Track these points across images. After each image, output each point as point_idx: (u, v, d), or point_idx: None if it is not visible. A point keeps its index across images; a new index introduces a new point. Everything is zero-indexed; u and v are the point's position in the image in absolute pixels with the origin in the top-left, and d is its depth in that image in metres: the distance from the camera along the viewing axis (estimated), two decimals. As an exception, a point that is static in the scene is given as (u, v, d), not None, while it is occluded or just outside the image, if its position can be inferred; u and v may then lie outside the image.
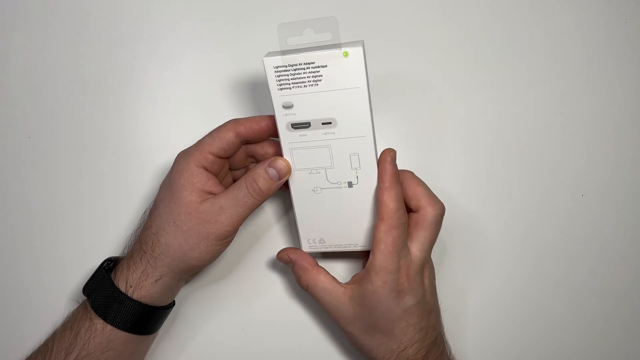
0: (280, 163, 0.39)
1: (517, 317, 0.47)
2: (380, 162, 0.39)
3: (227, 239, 0.39)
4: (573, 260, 0.47)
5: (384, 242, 0.37)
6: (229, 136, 0.39)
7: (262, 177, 0.38)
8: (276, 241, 0.47)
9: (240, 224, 0.39)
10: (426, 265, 0.40)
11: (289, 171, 0.39)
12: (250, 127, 0.39)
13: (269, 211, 0.47)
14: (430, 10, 0.48)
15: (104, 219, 0.47)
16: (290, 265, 0.42)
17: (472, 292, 0.46)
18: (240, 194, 0.38)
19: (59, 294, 0.46)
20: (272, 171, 0.38)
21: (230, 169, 0.43)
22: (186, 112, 0.48)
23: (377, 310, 0.38)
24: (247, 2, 0.48)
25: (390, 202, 0.38)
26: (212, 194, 0.39)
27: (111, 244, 0.46)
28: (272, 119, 0.39)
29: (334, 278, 0.41)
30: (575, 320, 0.47)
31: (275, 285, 0.47)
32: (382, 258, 0.37)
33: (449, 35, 0.48)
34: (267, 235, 0.47)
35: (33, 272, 0.47)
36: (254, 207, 0.38)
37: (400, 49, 0.48)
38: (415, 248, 0.39)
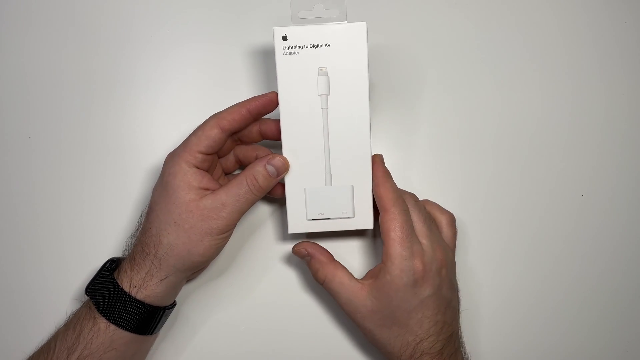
0: (278, 160, 0.40)
1: (514, 317, 0.47)
2: (372, 163, 0.41)
3: (228, 232, 0.40)
4: (572, 260, 0.47)
5: (393, 229, 0.38)
6: (214, 133, 0.39)
7: (261, 174, 0.39)
8: (274, 240, 0.47)
9: (240, 218, 0.40)
10: (442, 255, 0.40)
11: (286, 168, 0.40)
12: (233, 118, 0.40)
13: (263, 207, 0.47)
14: (429, 10, 0.49)
15: (106, 218, 0.47)
16: (307, 259, 0.43)
17: (468, 293, 0.46)
18: (241, 190, 0.39)
19: (61, 293, 0.46)
20: (271, 168, 0.39)
21: (218, 157, 0.44)
22: (186, 111, 0.48)
23: (394, 300, 0.39)
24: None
25: (388, 193, 0.39)
26: (209, 189, 0.39)
27: (113, 243, 0.46)
28: (251, 102, 0.40)
29: (351, 274, 0.41)
30: (575, 320, 0.47)
31: (275, 285, 0.47)
32: (394, 245, 0.38)
33: (448, 33, 0.48)
34: (263, 235, 0.47)
35: (35, 271, 0.47)
36: (253, 203, 0.40)
37: (400, 47, 0.48)
38: (421, 237, 0.39)
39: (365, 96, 0.40)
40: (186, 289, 0.46)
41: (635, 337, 0.47)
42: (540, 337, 0.47)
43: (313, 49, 0.39)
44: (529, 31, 0.49)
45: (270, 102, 0.40)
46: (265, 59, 0.48)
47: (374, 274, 0.40)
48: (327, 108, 0.40)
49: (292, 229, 0.42)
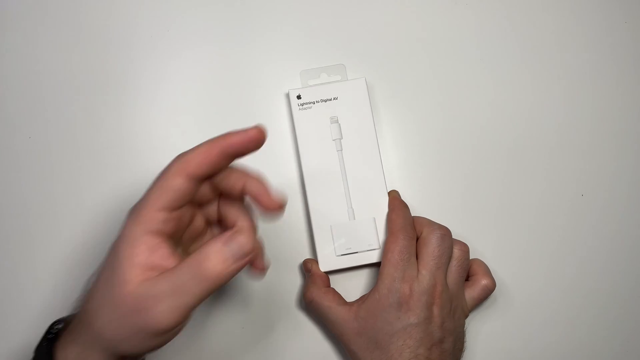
0: (241, 239, 0.29)
1: (512, 316, 0.47)
2: (388, 196, 0.44)
3: (169, 332, 0.29)
4: (572, 260, 0.47)
5: (391, 250, 0.40)
6: (178, 183, 0.30)
7: (214, 258, 0.28)
8: (277, 240, 0.47)
9: (189, 315, 0.29)
10: (439, 294, 0.39)
11: (253, 249, 0.29)
12: (201, 161, 0.30)
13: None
14: (430, 10, 0.49)
15: (106, 219, 0.47)
16: (307, 274, 0.44)
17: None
18: (181, 279, 0.28)
19: (60, 294, 0.46)
20: (229, 250, 0.29)
21: (200, 206, 0.34)
22: (186, 111, 0.48)
23: (379, 321, 0.39)
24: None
25: (398, 219, 0.41)
26: (162, 267, 0.29)
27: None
28: (226, 139, 0.31)
29: (341, 297, 0.42)
30: (574, 320, 0.47)
31: (276, 285, 0.47)
32: (388, 265, 0.39)
33: (447, 34, 0.48)
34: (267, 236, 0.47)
35: (34, 272, 0.47)
36: (206, 295, 0.29)
37: (397, 55, 0.48)
38: (423, 268, 0.40)
39: (373, 137, 0.45)
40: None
41: (635, 337, 0.47)
42: (539, 337, 0.47)
43: (324, 102, 0.45)
44: (528, 32, 0.49)
45: (251, 140, 0.30)
46: (268, 61, 0.48)
47: (364, 297, 0.41)
48: (341, 150, 0.44)
49: (323, 267, 0.44)
